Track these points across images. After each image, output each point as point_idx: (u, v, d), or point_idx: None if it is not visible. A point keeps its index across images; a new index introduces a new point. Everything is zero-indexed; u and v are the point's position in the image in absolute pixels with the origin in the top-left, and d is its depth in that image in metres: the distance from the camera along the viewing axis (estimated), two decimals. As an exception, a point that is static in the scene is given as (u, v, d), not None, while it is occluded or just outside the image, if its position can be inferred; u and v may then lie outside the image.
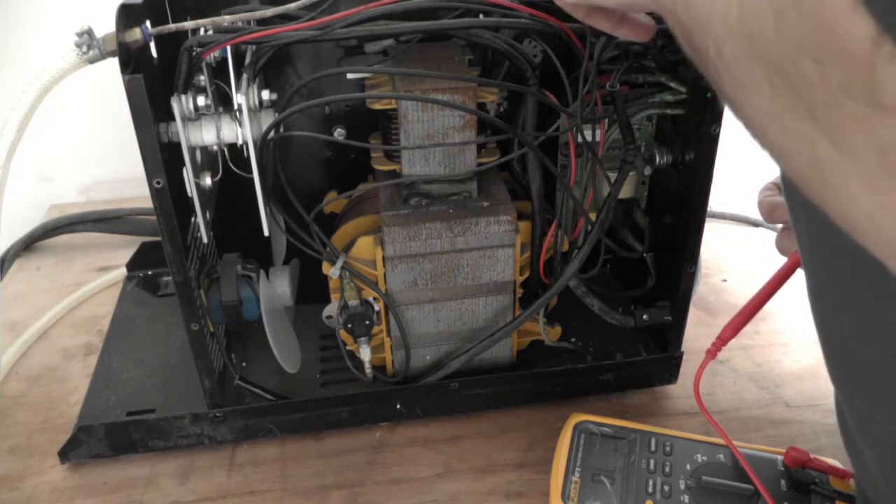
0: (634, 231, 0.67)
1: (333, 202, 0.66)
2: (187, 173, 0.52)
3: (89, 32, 0.49)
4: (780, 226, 0.59)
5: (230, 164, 0.59)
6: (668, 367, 0.68)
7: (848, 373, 0.42)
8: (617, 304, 0.66)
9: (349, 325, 0.61)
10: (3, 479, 0.61)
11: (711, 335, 0.76)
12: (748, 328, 0.77)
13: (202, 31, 0.51)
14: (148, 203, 0.53)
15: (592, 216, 0.61)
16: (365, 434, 0.65)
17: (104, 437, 0.61)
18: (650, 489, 0.55)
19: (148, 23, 0.48)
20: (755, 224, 0.95)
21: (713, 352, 0.56)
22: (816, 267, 0.41)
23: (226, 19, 0.51)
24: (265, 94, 0.55)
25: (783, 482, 0.55)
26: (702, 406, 0.56)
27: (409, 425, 0.65)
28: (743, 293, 0.82)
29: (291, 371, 0.64)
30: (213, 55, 0.53)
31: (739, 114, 0.31)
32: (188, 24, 0.50)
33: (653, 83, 0.59)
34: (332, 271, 0.59)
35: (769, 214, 0.56)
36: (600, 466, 0.57)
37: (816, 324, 0.43)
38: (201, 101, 0.51)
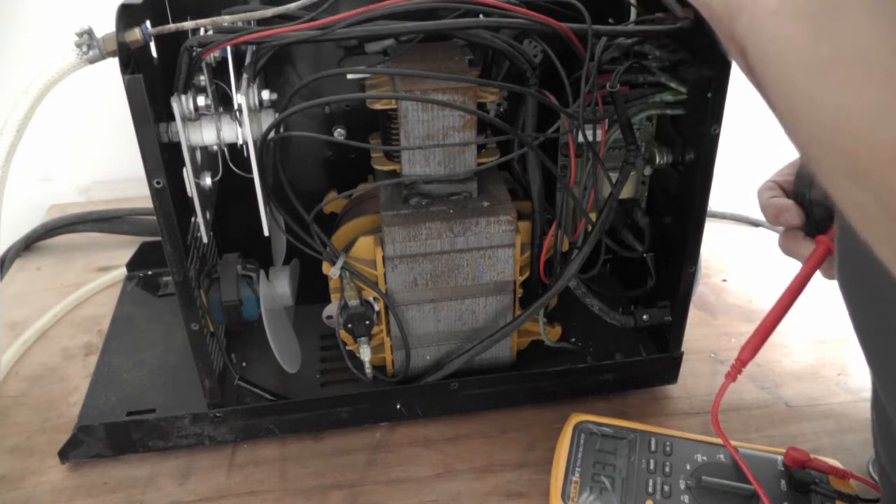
0: (634, 231, 0.67)
1: (333, 202, 0.66)
2: (187, 173, 0.52)
3: (89, 32, 0.49)
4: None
5: (230, 164, 0.59)
6: (668, 368, 0.68)
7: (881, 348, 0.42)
8: (617, 305, 0.67)
9: (349, 325, 0.61)
10: (3, 479, 0.61)
11: (711, 335, 0.76)
12: (748, 327, 0.77)
13: (202, 31, 0.51)
14: (148, 203, 0.53)
15: (592, 216, 0.61)
16: (365, 434, 0.65)
17: (104, 437, 0.61)
18: (650, 489, 0.55)
19: (148, 23, 0.48)
20: (755, 224, 0.95)
21: (733, 375, 0.54)
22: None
23: (226, 19, 0.51)
24: (265, 94, 0.55)
25: (783, 482, 0.55)
26: (718, 428, 0.55)
27: (409, 425, 0.65)
28: (743, 293, 0.82)
29: (291, 371, 0.64)
30: (213, 55, 0.53)
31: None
32: (188, 24, 0.50)
33: (653, 83, 0.59)
34: (332, 271, 0.59)
35: (776, 218, 0.55)
36: (600, 466, 0.57)
37: (847, 297, 0.43)
38: (201, 101, 0.52)
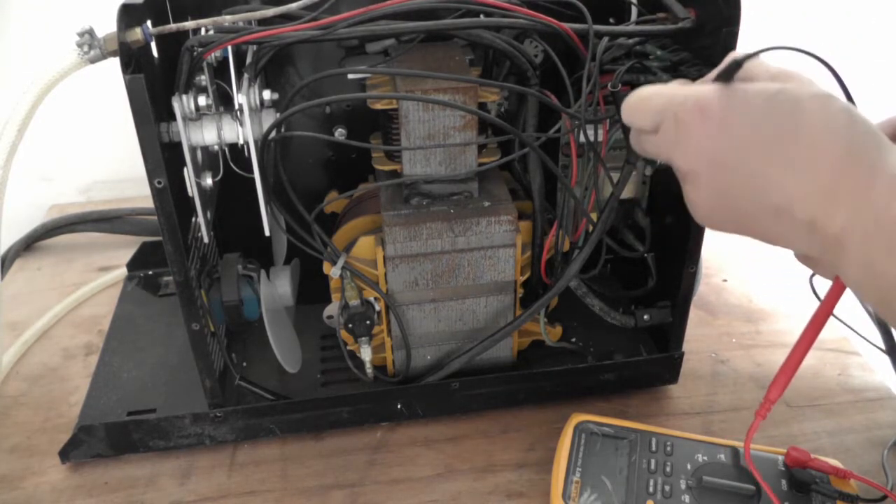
0: (635, 231, 0.67)
1: (334, 202, 0.66)
2: (188, 173, 0.52)
3: (90, 32, 0.49)
4: None
5: (231, 164, 0.59)
6: (669, 368, 0.68)
7: None
8: (618, 305, 0.67)
9: (350, 325, 0.61)
10: (3, 479, 0.61)
11: (712, 335, 0.76)
12: (748, 327, 0.77)
13: (203, 31, 0.51)
14: (148, 203, 0.53)
15: (593, 216, 0.61)
16: (365, 434, 0.65)
17: (105, 436, 0.61)
18: (651, 489, 0.55)
19: (149, 23, 0.48)
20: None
21: (762, 413, 0.54)
22: None
23: (227, 19, 0.51)
24: (266, 94, 0.55)
25: (784, 482, 0.55)
26: (752, 466, 0.54)
27: (409, 425, 0.65)
28: (744, 293, 0.82)
29: (292, 371, 0.64)
30: (214, 55, 0.53)
31: None
32: (189, 24, 0.50)
33: (654, 83, 0.59)
34: (332, 271, 0.59)
35: None
36: (601, 466, 0.57)
37: None
38: (202, 100, 0.51)
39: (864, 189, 0.36)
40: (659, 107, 0.43)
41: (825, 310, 0.50)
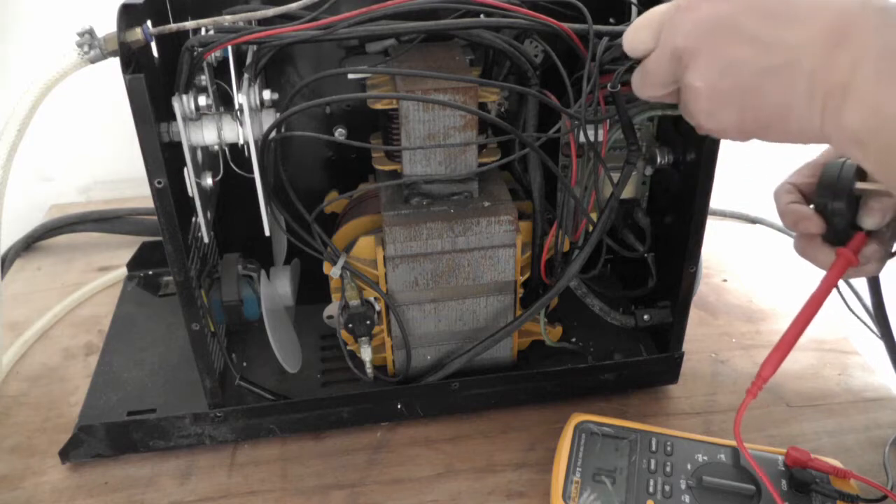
0: (635, 231, 0.67)
1: (334, 202, 0.66)
2: (188, 173, 0.52)
3: (90, 32, 0.49)
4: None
5: (231, 164, 0.59)
6: (669, 367, 0.68)
7: None
8: (617, 305, 0.67)
9: (350, 325, 0.61)
10: (3, 479, 0.61)
11: (712, 335, 0.76)
12: (748, 327, 0.78)
13: (203, 31, 0.51)
14: (148, 203, 0.53)
15: (593, 216, 0.62)
16: (366, 434, 0.65)
17: (105, 436, 0.61)
18: (651, 489, 0.55)
19: (149, 22, 0.48)
20: (753, 221, 0.95)
21: (753, 392, 0.53)
22: None
23: (227, 19, 0.51)
24: (266, 94, 0.55)
25: (784, 482, 0.55)
26: (740, 442, 0.54)
27: (409, 425, 0.66)
28: (744, 293, 0.82)
29: (292, 371, 0.64)
30: (214, 55, 0.53)
31: None
32: (189, 24, 0.50)
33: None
34: (333, 271, 0.59)
35: (794, 224, 0.51)
36: (601, 466, 0.57)
37: None
38: (202, 100, 0.52)
39: (876, 27, 0.35)
40: (661, 13, 0.43)
41: (825, 288, 0.49)
